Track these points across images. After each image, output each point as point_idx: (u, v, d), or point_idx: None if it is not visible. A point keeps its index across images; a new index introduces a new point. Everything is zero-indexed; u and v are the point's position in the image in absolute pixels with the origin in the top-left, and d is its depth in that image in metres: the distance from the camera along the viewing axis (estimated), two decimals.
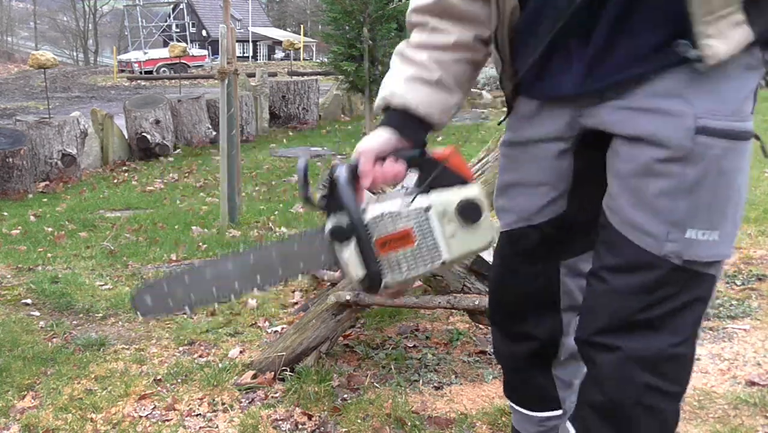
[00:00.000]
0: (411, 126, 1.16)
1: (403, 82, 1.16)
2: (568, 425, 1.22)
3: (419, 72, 1.16)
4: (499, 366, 2.33)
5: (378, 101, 1.19)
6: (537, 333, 1.32)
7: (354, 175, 1.14)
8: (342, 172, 1.13)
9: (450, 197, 1.13)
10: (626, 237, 1.08)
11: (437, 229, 1.13)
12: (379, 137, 1.16)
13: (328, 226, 1.12)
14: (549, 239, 1.24)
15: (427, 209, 1.12)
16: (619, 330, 1.11)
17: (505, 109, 1.26)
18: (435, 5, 1.17)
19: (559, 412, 1.39)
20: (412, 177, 1.17)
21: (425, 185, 1.14)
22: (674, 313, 1.09)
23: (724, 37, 0.98)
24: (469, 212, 1.13)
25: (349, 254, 1.11)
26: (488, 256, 2.36)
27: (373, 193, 1.18)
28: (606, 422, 1.15)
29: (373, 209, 1.12)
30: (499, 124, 1.34)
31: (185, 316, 2.98)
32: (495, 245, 1.16)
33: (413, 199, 1.12)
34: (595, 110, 1.09)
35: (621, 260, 1.10)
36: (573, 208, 1.22)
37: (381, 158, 1.15)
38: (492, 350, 2.47)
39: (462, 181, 1.15)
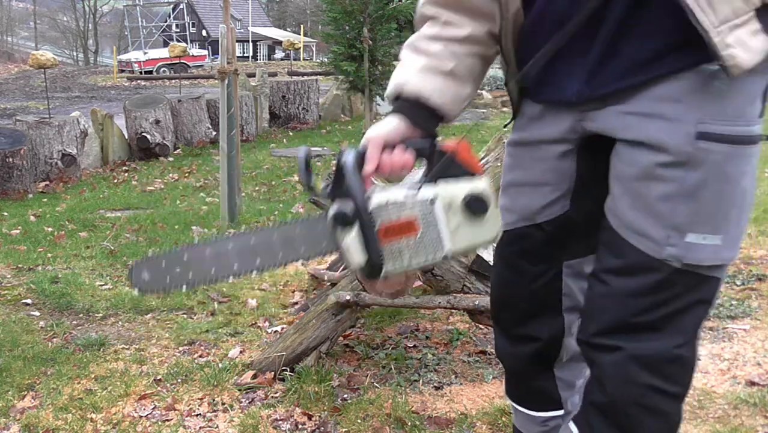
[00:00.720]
0: (423, 115, 1.15)
1: (416, 71, 1.15)
2: (571, 425, 1.22)
3: (432, 62, 1.15)
4: (500, 366, 2.34)
5: (389, 90, 1.18)
6: (539, 334, 1.32)
7: (361, 161, 1.12)
8: (349, 158, 1.11)
9: (457, 190, 1.12)
10: (627, 240, 1.09)
11: (442, 220, 1.11)
12: (389, 125, 1.15)
13: (332, 211, 1.11)
14: (551, 239, 1.24)
15: (433, 200, 1.11)
16: (620, 331, 1.11)
17: (505, 109, 1.27)
18: None
19: (560, 412, 1.39)
20: (421, 168, 1.16)
21: (432, 175, 1.12)
22: (676, 315, 1.09)
23: (745, 46, 0.97)
24: (475, 206, 1.11)
25: (351, 240, 1.09)
26: (488, 256, 2.36)
27: (381, 182, 1.17)
28: (609, 422, 1.15)
29: (378, 197, 1.10)
30: (505, 126, 1.34)
31: (185, 317, 2.98)
32: (498, 240, 1.14)
33: (419, 189, 1.11)
34: (597, 115, 1.10)
35: (621, 262, 1.10)
36: (576, 209, 1.22)
37: (390, 146, 1.13)
38: (492, 350, 2.48)
39: (470, 174, 1.13)
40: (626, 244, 1.09)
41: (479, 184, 1.12)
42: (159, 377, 2.34)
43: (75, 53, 44.39)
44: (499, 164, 2.13)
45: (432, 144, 1.14)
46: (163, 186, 7.17)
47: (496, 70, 11.64)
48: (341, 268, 2.84)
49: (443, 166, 1.12)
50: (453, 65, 1.15)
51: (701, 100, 1.00)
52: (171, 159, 8.74)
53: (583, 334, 1.17)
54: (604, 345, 1.13)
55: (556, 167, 1.20)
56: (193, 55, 26.85)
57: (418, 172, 1.16)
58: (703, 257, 1.05)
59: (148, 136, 8.65)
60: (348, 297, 2.25)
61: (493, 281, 1.38)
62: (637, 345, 1.10)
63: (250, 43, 36.76)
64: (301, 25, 36.82)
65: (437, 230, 1.11)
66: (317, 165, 7.81)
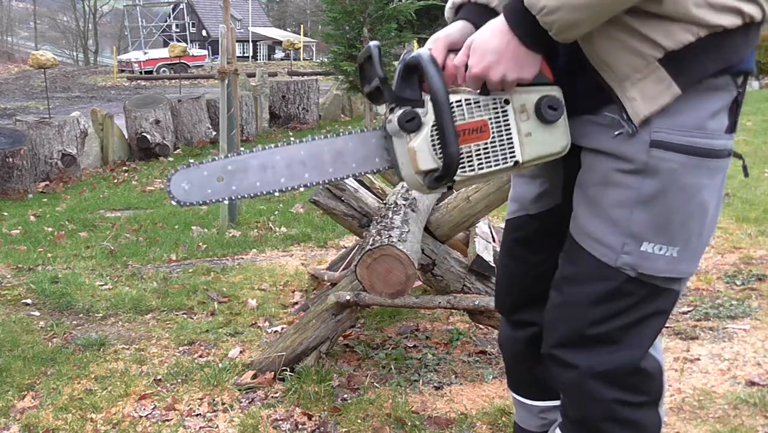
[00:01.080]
0: (489, 19, 1.08)
1: None
2: (558, 432, 1.24)
3: None
4: (500, 366, 2.34)
5: (450, 2, 1.15)
6: (537, 320, 1.33)
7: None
8: (424, 53, 1.05)
9: (530, 93, 1.07)
10: (583, 247, 1.09)
11: (514, 124, 1.07)
12: (455, 27, 1.12)
13: (397, 115, 1.05)
14: (546, 230, 1.26)
15: (507, 101, 1.07)
16: (575, 344, 1.11)
17: None
18: None
19: (557, 402, 1.39)
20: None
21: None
22: (632, 326, 1.08)
23: (646, 96, 1.00)
24: (548, 111, 1.06)
25: (421, 142, 1.04)
26: (489, 256, 2.36)
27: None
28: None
29: (454, 95, 1.05)
30: None
31: (185, 317, 2.98)
32: (566, 151, 1.10)
33: (491, 91, 1.06)
34: (572, 121, 1.11)
35: (577, 269, 1.10)
36: (568, 202, 1.23)
37: (455, 50, 1.09)
38: (492, 350, 2.48)
39: (542, 81, 1.08)
40: (582, 251, 1.09)
41: (554, 89, 1.08)
42: (159, 377, 2.34)
43: (75, 53, 44.39)
44: None
45: None
46: (163, 186, 7.17)
47: None
48: (341, 268, 2.84)
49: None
50: None
51: (657, 113, 1.01)
52: (171, 159, 8.74)
53: (544, 346, 1.18)
54: (562, 361, 1.13)
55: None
56: (193, 55, 26.85)
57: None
58: (658, 267, 1.05)
59: (148, 136, 8.65)
60: (348, 297, 2.25)
61: (497, 266, 1.41)
62: (593, 361, 1.09)
63: (250, 43, 36.76)
64: (301, 25, 36.82)
65: (509, 134, 1.07)
66: None
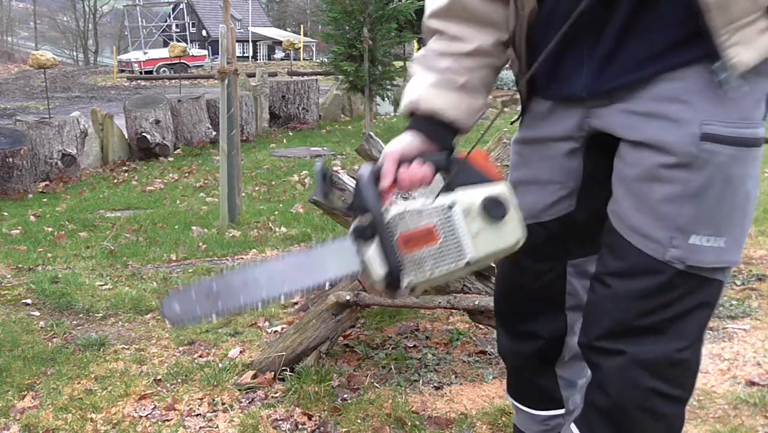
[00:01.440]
0: (438, 130, 1.16)
1: (428, 87, 1.16)
2: (573, 427, 1.22)
3: (444, 77, 1.16)
4: (500, 366, 2.34)
5: (403, 107, 1.19)
6: (541, 332, 1.32)
7: (377, 175, 1.13)
8: (364, 172, 1.12)
9: (474, 194, 1.10)
10: (629, 242, 1.08)
11: (461, 227, 1.10)
12: (404, 140, 1.16)
13: (352, 226, 1.12)
14: (556, 237, 1.24)
15: (451, 206, 1.10)
16: (622, 335, 1.11)
17: (506, 109, 1.27)
18: (452, 7, 1.16)
19: (561, 411, 1.39)
20: (440, 181, 1.16)
21: (449, 183, 1.12)
22: (679, 318, 1.08)
23: (750, 44, 0.97)
24: (493, 209, 1.09)
25: (372, 253, 1.10)
26: None
27: (404, 198, 1.16)
28: (611, 425, 1.15)
29: (396, 207, 1.11)
30: (512, 123, 1.34)
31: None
32: (521, 245, 1.13)
33: (436, 197, 1.11)
34: (602, 112, 1.10)
35: (624, 264, 1.10)
36: (582, 208, 1.22)
37: (407, 161, 1.14)
38: (492, 350, 2.48)
39: (488, 180, 1.12)
40: (629, 246, 1.08)
41: (497, 188, 1.11)
42: (159, 377, 2.34)
43: (75, 53, 44.39)
44: (498, 164, 2.13)
45: (449, 156, 1.15)
46: (163, 186, 7.17)
47: None
48: None
49: (460, 173, 1.12)
50: (464, 79, 1.16)
51: (705, 102, 1.00)
52: (171, 159, 8.74)
53: (585, 337, 1.17)
54: (606, 349, 1.12)
55: (563, 165, 1.20)
56: (193, 55, 26.85)
57: (439, 184, 1.16)
58: (706, 259, 1.05)
59: (148, 136, 8.65)
60: (348, 297, 2.25)
61: (497, 277, 1.38)
62: (639, 348, 1.09)
63: (250, 43, 36.76)
64: (301, 25, 36.82)
65: (457, 237, 1.10)
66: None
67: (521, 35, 1.15)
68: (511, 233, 1.12)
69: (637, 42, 1.03)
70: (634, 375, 1.10)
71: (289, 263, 1.21)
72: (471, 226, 1.10)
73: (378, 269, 1.10)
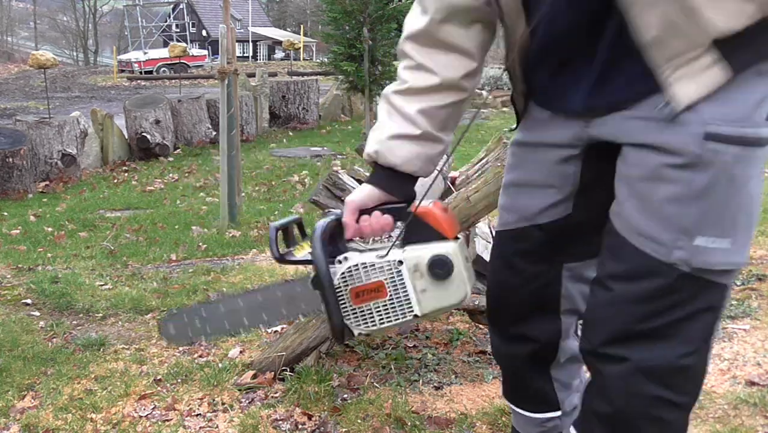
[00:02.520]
0: (396, 182, 1.20)
1: (386, 140, 1.20)
2: (572, 430, 1.22)
3: (403, 128, 1.19)
4: (499, 366, 2.34)
5: (365, 155, 1.24)
6: (536, 335, 1.31)
7: (336, 227, 1.19)
8: (319, 226, 1.18)
9: (423, 252, 1.15)
10: (632, 244, 1.07)
11: (409, 283, 1.15)
12: (364, 192, 1.21)
13: (311, 276, 1.18)
14: (551, 240, 1.24)
15: (400, 263, 1.15)
16: (626, 340, 1.09)
17: (505, 109, 1.28)
18: (428, 31, 1.17)
19: (558, 413, 1.39)
20: (401, 226, 1.22)
21: (397, 239, 1.17)
22: (683, 322, 1.06)
23: (694, 79, 0.99)
24: (439, 269, 1.15)
25: (325, 304, 1.17)
26: (488, 256, 2.36)
27: (365, 242, 1.23)
28: (607, 427, 1.14)
29: (351, 260, 1.17)
30: (511, 131, 1.35)
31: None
32: (467, 301, 1.21)
33: (387, 253, 1.16)
34: (602, 121, 1.09)
35: (626, 267, 1.08)
36: (579, 212, 1.22)
37: (368, 211, 1.20)
38: (491, 350, 2.48)
39: (440, 236, 1.17)
40: (632, 248, 1.07)
41: (445, 247, 1.15)
42: (159, 377, 2.34)
43: (75, 53, 44.37)
44: (499, 164, 2.13)
45: (407, 207, 1.19)
46: (163, 186, 7.17)
47: (495, 70, 11.64)
48: None
49: (412, 229, 1.17)
50: (423, 129, 1.19)
51: (706, 102, 0.99)
52: (171, 159, 8.74)
53: (587, 343, 1.15)
54: (609, 355, 1.11)
55: (559, 170, 1.20)
56: (193, 55, 26.85)
57: (398, 230, 1.22)
58: (712, 260, 1.04)
59: (148, 136, 8.65)
60: None
61: (490, 279, 1.37)
62: (643, 355, 1.08)
63: (250, 43, 36.76)
64: (301, 25, 36.82)
65: (405, 293, 1.16)
66: (317, 165, 7.81)
67: (514, 57, 1.16)
68: (455, 292, 1.17)
69: (629, 61, 1.03)
70: (638, 383, 1.08)
71: (267, 295, 1.33)
72: (417, 283, 1.16)
73: (329, 318, 1.17)
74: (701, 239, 1.03)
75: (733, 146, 1.00)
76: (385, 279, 1.15)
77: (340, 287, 1.17)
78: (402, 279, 1.15)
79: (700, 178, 1.01)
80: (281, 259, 1.22)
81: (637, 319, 1.07)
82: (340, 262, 1.17)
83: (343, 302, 1.17)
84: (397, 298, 1.16)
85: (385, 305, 1.16)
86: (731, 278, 1.08)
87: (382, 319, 1.17)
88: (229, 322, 1.34)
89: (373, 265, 1.16)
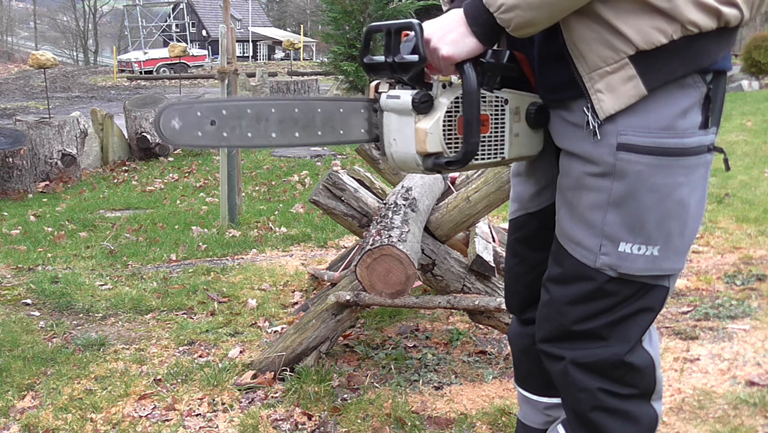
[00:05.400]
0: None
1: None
2: (560, 428, 1.24)
3: None
4: (500, 366, 2.34)
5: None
6: None
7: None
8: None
9: (523, 97, 1.14)
10: (565, 249, 1.12)
11: (508, 123, 1.13)
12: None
13: (411, 94, 1.07)
14: (545, 227, 1.27)
15: (506, 102, 1.12)
16: (562, 339, 1.14)
17: None
18: None
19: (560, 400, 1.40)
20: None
21: (500, 80, 1.11)
22: (619, 323, 1.10)
23: (614, 92, 1.01)
24: (537, 116, 1.13)
25: (432, 126, 1.06)
26: (488, 256, 2.36)
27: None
28: (582, 426, 1.17)
29: (454, 88, 1.08)
30: None
31: (185, 317, 2.98)
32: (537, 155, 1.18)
33: (493, 89, 1.10)
34: (553, 119, 1.14)
35: (561, 270, 1.13)
36: None
37: None
38: (492, 350, 2.48)
39: (530, 88, 1.15)
40: (565, 252, 1.12)
41: (539, 99, 1.14)
42: (159, 377, 2.34)
43: (75, 53, 44.38)
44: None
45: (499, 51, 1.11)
46: (163, 186, 7.17)
47: None
48: (341, 268, 2.84)
49: (509, 72, 1.11)
50: None
51: (625, 113, 1.02)
52: (171, 159, 8.74)
53: (537, 341, 1.21)
54: (549, 353, 1.16)
55: (535, 162, 1.24)
56: (193, 55, 26.87)
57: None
58: (637, 267, 1.07)
59: (148, 136, 8.65)
60: (348, 297, 2.25)
61: (504, 267, 1.43)
62: (577, 353, 1.12)
63: (250, 43, 36.77)
64: (301, 25, 36.82)
65: (503, 133, 1.13)
66: (317, 165, 7.81)
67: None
68: (537, 144, 1.17)
69: (558, 67, 1.06)
70: (578, 378, 1.13)
71: (303, 109, 1.13)
72: (514, 126, 1.14)
73: (436, 144, 1.07)
74: (625, 245, 1.06)
75: (646, 156, 1.02)
76: (491, 114, 1.11)
77: (451, 112, 1.07)
78: (504, 118, 1.12)
79: (617, 187, 1.04)
80: (372, 67, 1.10)
81: (572, 320, 1.12)
82: (451, 84, 1.09)
83: (450, 129, 1.08)
84: (495, 136, 1.12)
85: (483, 141, 1.10)
86: (670, 282, 1.11)
87: (477, 156, 1.10)
88: (253, 132, 1.10)
89: (484, 97, 1.09)
